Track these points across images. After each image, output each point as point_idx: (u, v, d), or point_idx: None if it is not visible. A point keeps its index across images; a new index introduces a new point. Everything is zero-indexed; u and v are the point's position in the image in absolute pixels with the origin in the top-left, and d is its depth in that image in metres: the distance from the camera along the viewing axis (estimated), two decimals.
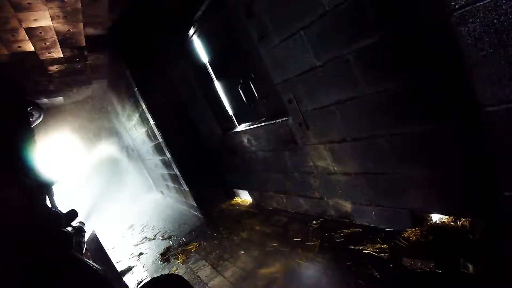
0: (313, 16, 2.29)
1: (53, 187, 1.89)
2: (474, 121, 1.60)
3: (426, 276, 2.04)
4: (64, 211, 1.96)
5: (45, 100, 7.60)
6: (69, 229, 1.88)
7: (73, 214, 1.94)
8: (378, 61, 2.05)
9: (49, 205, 1.87)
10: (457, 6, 1.24)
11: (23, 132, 1.81)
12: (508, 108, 1.26)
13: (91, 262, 1.61)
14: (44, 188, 1.78)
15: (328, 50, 2.33)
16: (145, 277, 4.01)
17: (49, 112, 8.26)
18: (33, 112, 2.05)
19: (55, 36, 4.33)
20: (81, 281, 1.51)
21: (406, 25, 1.80)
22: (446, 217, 2.37)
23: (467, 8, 1.19)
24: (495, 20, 1.14)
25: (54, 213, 1.79)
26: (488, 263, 1.85)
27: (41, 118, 2.17)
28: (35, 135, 1.92)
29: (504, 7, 1.12)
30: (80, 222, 2.09)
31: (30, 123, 1.95)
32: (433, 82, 1.82)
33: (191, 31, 4.24)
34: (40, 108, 2.12)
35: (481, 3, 1.17)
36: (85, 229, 2.13)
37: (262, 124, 3.62)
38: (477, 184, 1.90)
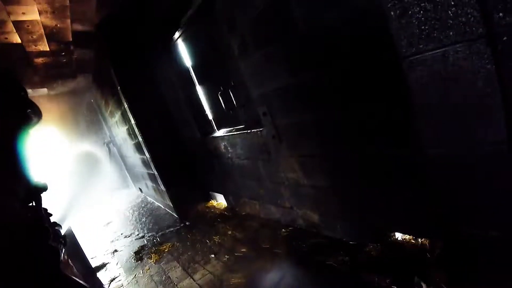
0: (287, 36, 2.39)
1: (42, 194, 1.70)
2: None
3: None
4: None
5: (30, 91, 7.50)
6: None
7: (58, 230, 1.79)
8: (350, 86, 2.15)
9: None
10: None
11: (21, 135, 1.64)
12: None
13: (79, 280, 1.60)
14: (34, 196, 1.63)
15: (302, 64, 2.42)
16: (119, 274, 4.05)
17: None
18: (31, 115, 1.77)
19: (42, 30, 4.33)
20: None
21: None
22: (407, 236, 2.50)
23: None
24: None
25: (43, 226, 1.63)
26: (441, 282, 1.97)
27: (38, 123, 1.89)
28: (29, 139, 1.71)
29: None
30: (57, 225, 1.88)
31: (29, 126, 1.74)
32: (393, 114, 1.94)
33: (177, 34, 4.27)
34: (39, 112, 1.84)
35: None
36: (61, 233, 1.90)
37: (239, 132, 3.71)
38: (435, 206, 2.01)
